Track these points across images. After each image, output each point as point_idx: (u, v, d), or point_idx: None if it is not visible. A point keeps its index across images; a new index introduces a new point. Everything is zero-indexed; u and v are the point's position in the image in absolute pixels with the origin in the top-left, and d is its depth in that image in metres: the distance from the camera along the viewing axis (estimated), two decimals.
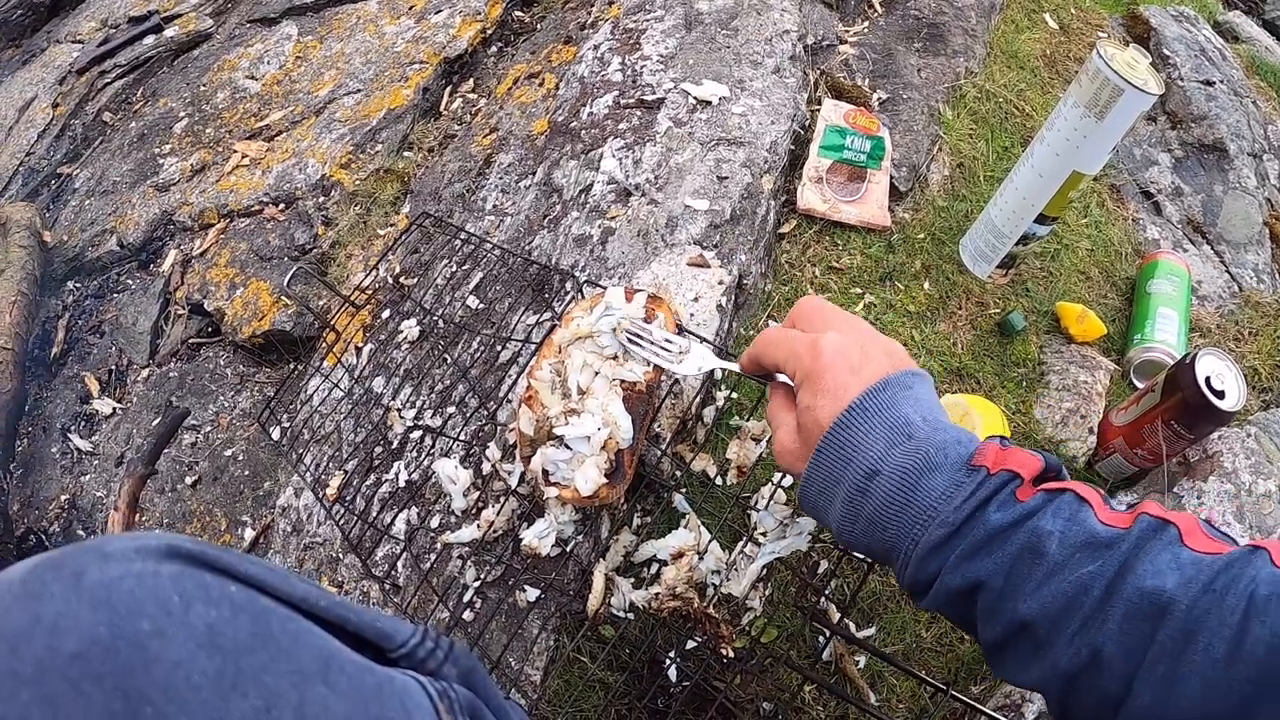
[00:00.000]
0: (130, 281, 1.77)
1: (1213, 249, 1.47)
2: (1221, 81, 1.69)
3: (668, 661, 0.88)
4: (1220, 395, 0.94)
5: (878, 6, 1.74)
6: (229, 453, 1.46)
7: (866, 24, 1.70)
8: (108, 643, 0.31)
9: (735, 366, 0.71)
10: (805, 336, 0.59)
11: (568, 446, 0.87)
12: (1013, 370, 1.23)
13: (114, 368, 1.66)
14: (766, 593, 0.94)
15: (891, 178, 1.38)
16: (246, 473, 1.42)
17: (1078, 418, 1.14)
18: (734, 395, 1.10)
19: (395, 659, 0.45)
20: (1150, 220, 1.50)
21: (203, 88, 2.01)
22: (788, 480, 1.01)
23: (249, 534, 1.32)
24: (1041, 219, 1.17)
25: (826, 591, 0.88)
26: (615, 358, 0.91)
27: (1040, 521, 0.47)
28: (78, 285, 1.79)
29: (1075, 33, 1.83)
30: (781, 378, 0.63)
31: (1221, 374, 0.96)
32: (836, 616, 0.91)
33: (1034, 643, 0.46)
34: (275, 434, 1.32)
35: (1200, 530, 0.44)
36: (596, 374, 0.90)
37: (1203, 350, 0.98)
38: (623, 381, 0.89)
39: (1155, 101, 0.96)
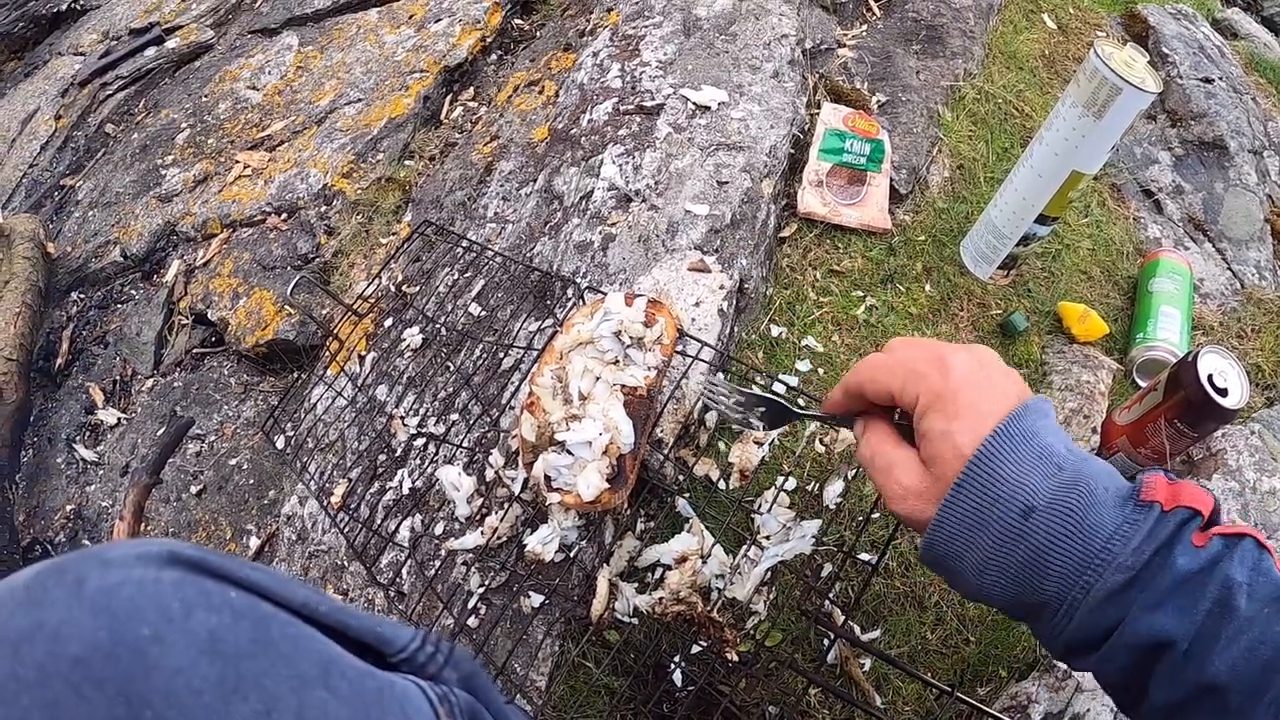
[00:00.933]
0: (134, 292, 1.77)
1: (1214, 246, 1.47)
2: (1221, 79, 1.69)
3: (672, 666, 0.88)
4: (1223, 393, 0.94)
5: (875, 9, 1.75)
6: (233, 462, 1.46)
7: (865, 27, 1.70)
8: (109, 649, 0.32)
9: (817, 413, 0.63)
10: (928, 354, 0.51)
11: (569, 452, 0.87)
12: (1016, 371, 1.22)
13: (118, 378, 1.67)
14: (770, 596, 0.94)
15: (891, 180, 1.38)
16: (251, 481, 1.42)
17: (1081, 417, 1.14)
18: None
19: (395, 664, 0.45)
20: (1151, 219, 1.50)
21: (204, 98, 2.02)
22: (791, 483, 1.01)
23: (254, 542, 1.32)
24: (1042, 219, 1.17)
25: (831, 595, 0.88)
26: (616, 363, 0.91)
27: (1229, 570, 0.41)
28: (81, 296, 1.80)
29: (1074, 33, 1.83)
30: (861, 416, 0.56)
31: (1224, 371, 0.96)
32: (841, 619, 0.91)
33: (1223, 709, 0.40)
34: (279, 443, 1.32)
35: None
36: (598, 379, 0.90)
37: (1205, 348, 0.98)
38: (624, 386, 0.89)
39: (1154, 100, 0.97)
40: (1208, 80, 1.68)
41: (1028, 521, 0.44)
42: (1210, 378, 0.95)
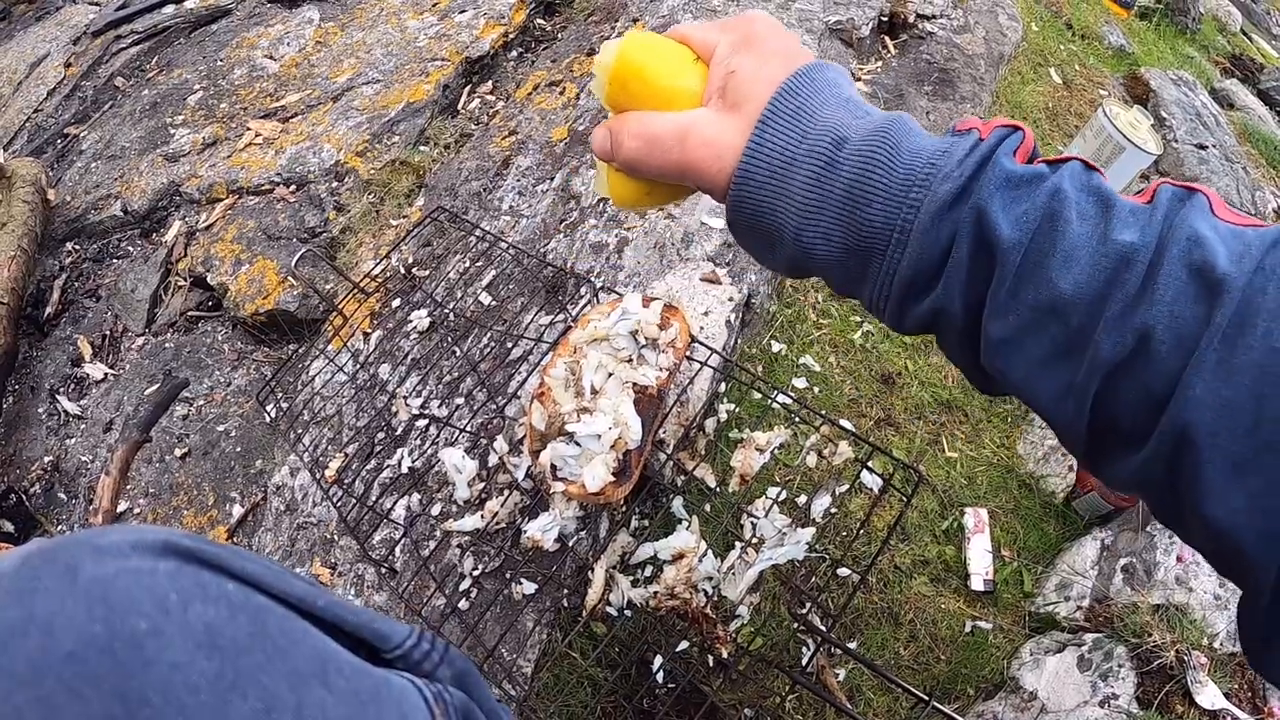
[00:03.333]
0: (131, 248, 1.76)
1: None
2: (1215, 145, 1.77)
3: (657, 663, 0.91)
4: None
5: (892, 48, 1.80)
6: (221, 428, 1.46)
7: (880, 64, 1.75)
8: (104, 643, 0.30)
9: None
10: (741, 16, 0.45)
11: (578, 443, 0.89)
12: (999, 406, 1.27)
13: (108, 333, 1.65)
14: (756, 601, 0.97)
15: None
16: (238, 450, 1.42)
17: (1059, 455, 1.19)
18: (735, 409, 1.13)
19: (390, 660, 0.45)
20: None
21: (219, 63, 2.01)
22: (783, 494, 1.04)
23: (237, 510, 1.32)
24: None
25: (818, 600, 0.92)
26: (630, 360, 0.94)
27: (1058, 182, 0.36)
28: (77, 247, 1.78)
29: (1078, 89, 1.90)
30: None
31: None
32: (823, 628, 0.94)
33: (1066, 329, 0.35)
34: (271, 412, 1.32)
35: (1222, 201, 0.36)
36: (610, 375, 0.92)
37: None
38: (635, 384, 0.92)
39: (1153, 162, 1.02)
40: (1202, 146, 1.76)
41: (840, 151, 0.39)
42: None
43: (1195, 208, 0.35)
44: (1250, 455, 0.30)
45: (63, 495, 1.48)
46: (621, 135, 0.44)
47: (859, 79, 1.69)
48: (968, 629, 1.04)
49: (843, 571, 1.04)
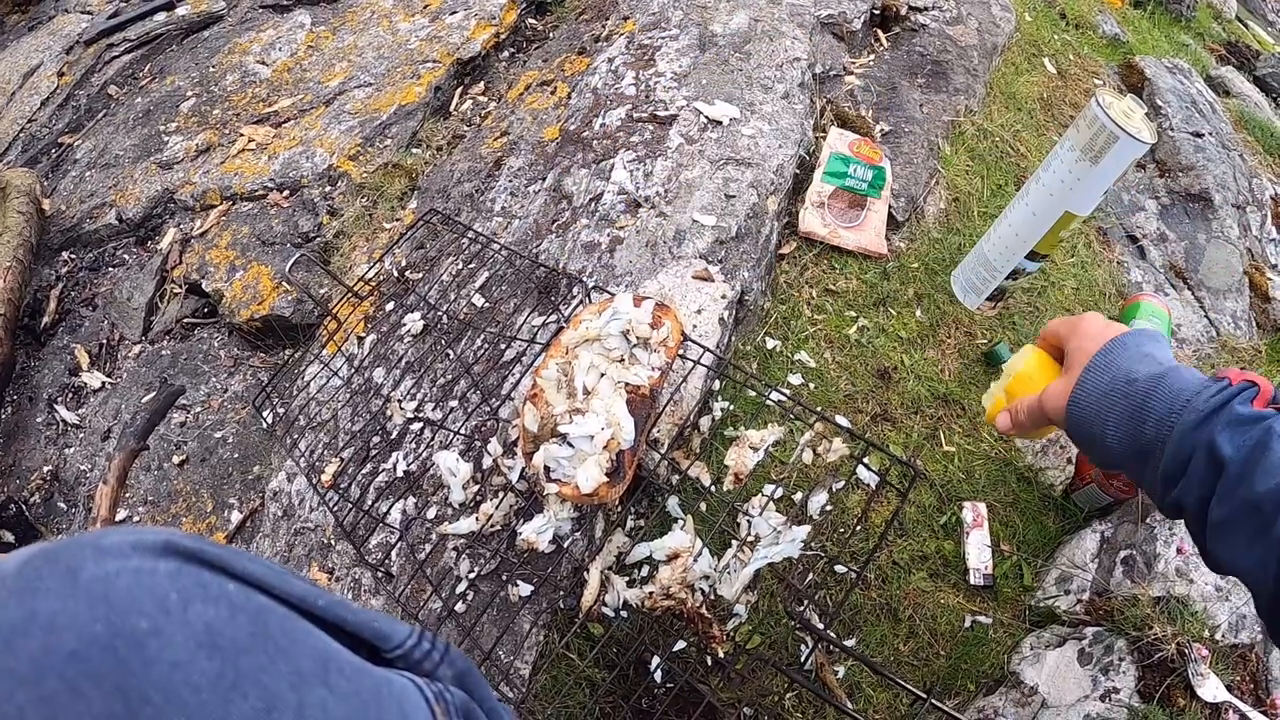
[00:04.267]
0: (127, 256, 1.76)
1: (1193, 294, 1.52)
2: (1210, 134, 1.76)
3: (655, 662, 0.90)
4: None
5: (884, 41, 1.79)
6: (219, 435, 1.46)
7: (873, 57, 1.74)
8: (105, 641, 0.30)
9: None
10: (1078, 317, 0.72)
11: (570, 444, 0.89)
12: None
13: (105, 342, 1.65)
14: (752, 599, 0.97)
15: (890, 207, 1.42)
16: (236, 456, 1.42)
17: (1056, 448, 1.18)
18: (730, 407, 1.13)
19: (391, 659, 0.45)
20: (1134, 263, 1.56)
21: (212, 69, 2.01)
22: (779, 492, 1.04)
23: (235, 516, 1.32)
24: (1032, 255, 1.21)
25: (814, 598, 0.91)
26: (621, 360, 0.93)
27: (1274, 424, 0.54)
28: (73, 256, 1.78)
29: (1072, 79, 1.90)
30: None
31: None
32: (820, 626, 0.93)
33: (1261, 521, 0.52)
34: (268, 418, 1.32)
35: None
36: (602, 376, 0.92)
37: None
38: (627, 384, 0.92)
39: (1147, 150, 1.01)
40: (1198, 134, 1.75)
41: (1131, 385, 0.61)
42: None
43: None
44: None
45: (62, 504, 1.48)
46: (1020, 415, 0.72)
47: (852, 72, 1.68)
48: (967, 624, 1.03)
49: (840, 568, 1.03)
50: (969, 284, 1.33)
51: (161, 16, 2.14)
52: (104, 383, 1.59)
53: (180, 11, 2.17)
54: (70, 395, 1.60)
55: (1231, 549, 0.55)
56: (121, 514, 1.39)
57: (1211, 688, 0.87)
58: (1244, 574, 0.55)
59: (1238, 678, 0.90)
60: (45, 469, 1.50)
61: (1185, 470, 0.57)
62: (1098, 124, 1.00)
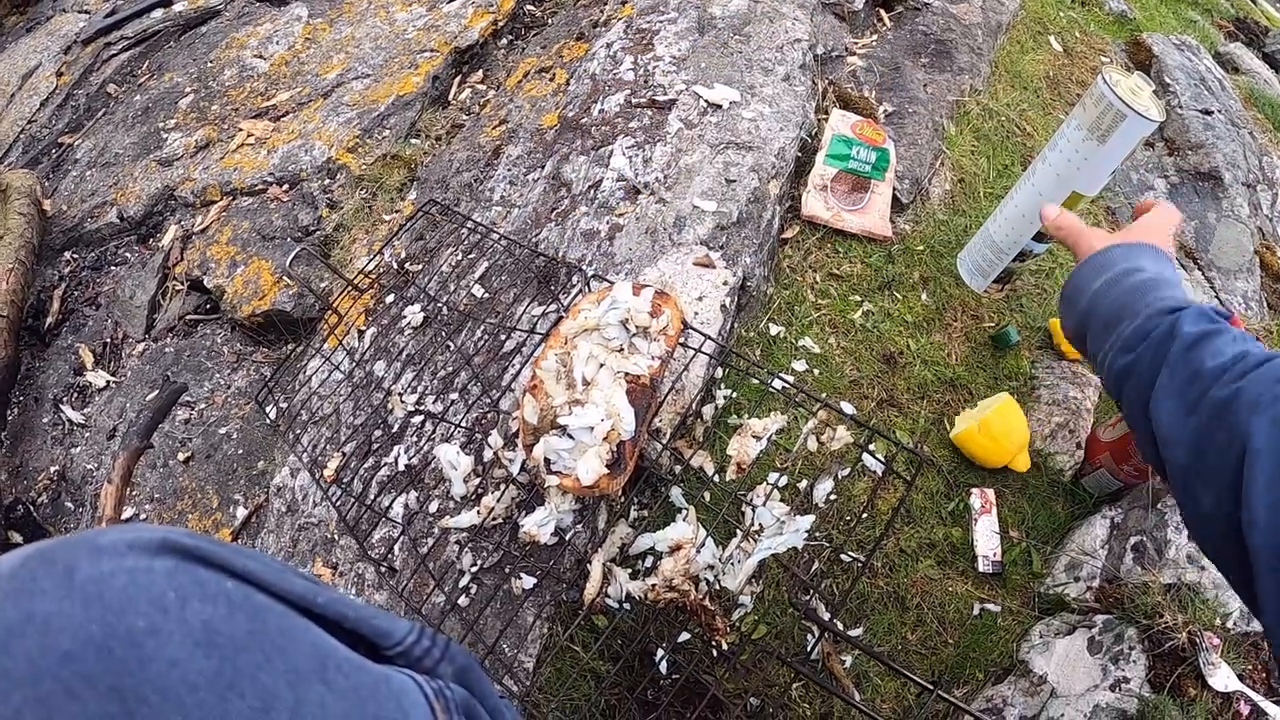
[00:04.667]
0: (129, 255, 1.76)
1: (1203, 274, 1.50)
2: (1220, 111, 1.72)
3: (659, 654, 0.90)
4: None
5: (887, 20, 1.77)
6: (223, 431, 1.45)
7: (875, 37, 1.72)
8: (101, 641, 0.30)
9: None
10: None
11: (571, 436, 0.88)
12: (1005, 383, 1.25)
13: (109, 340, 1.65)
14: (758, 590, 0.96)
15: (894, 189, 1.40)
16: (240, 451, 1.42)
17: (1066, 432, 1.16)
18: (733, 394, 1.12)
19: (391, 656, 0.45)
20: None
21: (210, 64, 2.00)
22: (784, 480, 1.03)
23: (241, 512, 1.32)
24: (1039, 237, 1.19)
25: (820, 588, 0.90)
26: (621, 350, 0.92)
27: (1232, 330, 0.65)
28: (75, 256, 1.78)
29: (1078, 56, 1.86)
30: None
31: None
32: (826, 616, 0.92)
33: (1199, 389, 0.62)
34: (271, 414, 1.32)
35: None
36: (601, 366, 0.91)
37: None
38: (627, 374, 0.90)
39: (1156, 128, 0.99)
40: (1207, 112, 1.71)
41: (1142, 275, 0.75)
42: None
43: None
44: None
45: (70, 504, 1.48)
46: (1067, 221, 0.91)
47: (854, 53, 1.66)
48: (975, 612, 1.02)
49: (846, 557, 1.02)
50: (975, 266, 1.30)
51: (158, 13, 2.13)
52: (109, 381, 1.60)
53: (177, 7, 2.16)
54: (75, 395, 1.60)
55: (1169, 411, 0.63)
56: (128, 512, 1.39)
57: (1223, 677, 0.86)
58: (1168, 433, 0.63)
59: (1249, 667, 0.89)
60: (52, 469, 1.51)
61: (1147, 337, 0.68)
62: (1104, 102, 0.97)
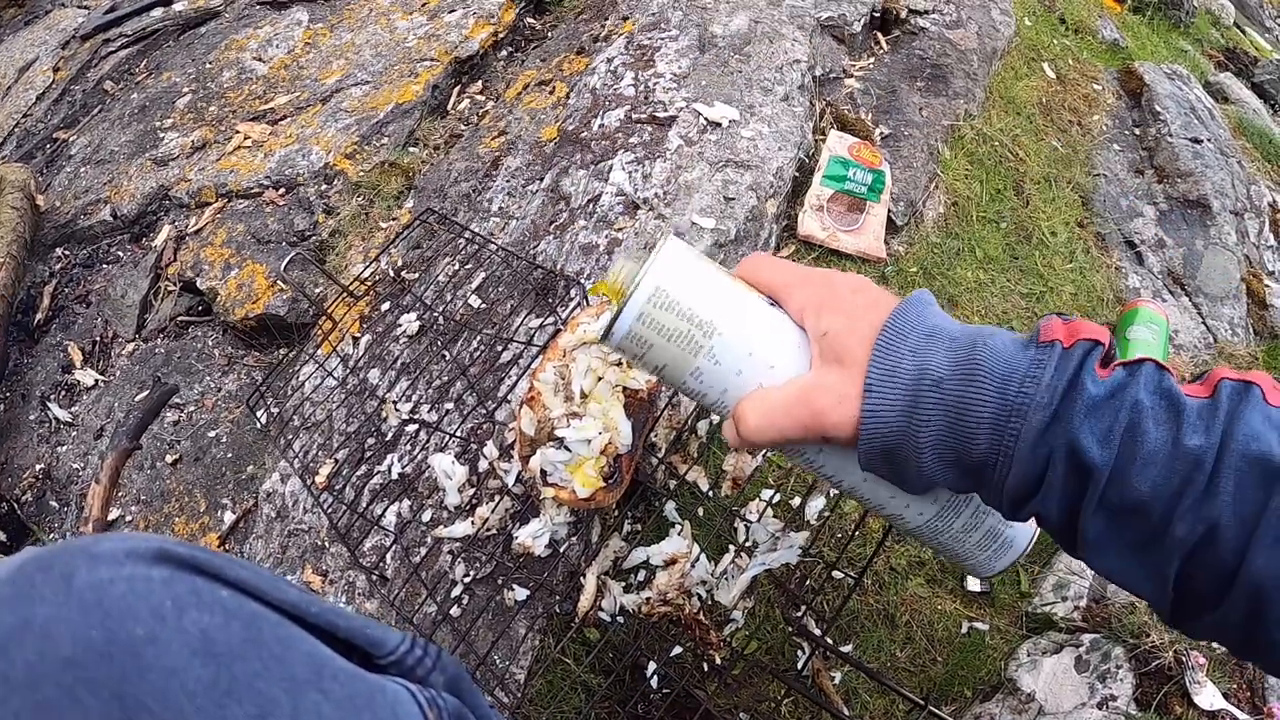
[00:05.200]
0: (121, 253, 1.75)
1: (1191, 300, 1.52)
2: (1209, 140, 1.76)
3: (651, 668, 0.90)
4: None
5: (884, 44, 1.79)
6: (212, 434, 1.45)
7: (872, 60, 1.74)
8: (102, 648, 0.31)
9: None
10: (808, 270, 0.51)
11: (567, 448, 0.88)
12: None
13: (98, 339, 1.64)
14: (750, 605, 0.96)
15: (889, 211, 1.42)
16: (229, 455, 1.41)
17: None
18: None
19: (384, 666, 0.45)
20: (1132, 269, 1.56)
21: (208, 65, 2.00)
22: (777, 496, 1.03)
23: (228, 517, 1.31)
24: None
25: (811, 604, 0.91)
26: (619, 364, 0.93)
27: (1135, 394, 0.42)
28: (67, 253, 1.77)
29: (1071, 84, 1.90)
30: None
31: None
32: (818, 632, 0.93)
33: (1148, 524, 0.42)
34: (262, 418, 1.31)
35: (1274, 385, 0.42)
36: (600, 379, 0.91)
37: None
38: (625, 388, 0.91)
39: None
40: (1196, 140, 1.75)
41: (942, 391, 0.44)
42: None
43: (1251, 401, 0.41)
44: None
45: (54, 503, 1.47)
46: (747, 417, 0.48)
47: (852, 75, 1.68)
48: (964, 630, 1.03)
49: (838, 574, 1.03)
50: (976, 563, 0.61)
51: (158, 12, 2.13)
52: (97, 380, 1.58)
53: (177, 7, 2.16)
54: (63, 393, 1.59)
55: (1119, 561, 0.44)
56: (114, 513, 1.38)
57: (1208, 696, 0.87)
58: (1131, 587, 0.45)
59: (1234, 686, 0.90)
60: (37, 467, 1.49)
61: (1040, 483, 0.43)
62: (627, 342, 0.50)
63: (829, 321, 0.47)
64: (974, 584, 1.06)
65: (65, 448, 1.51)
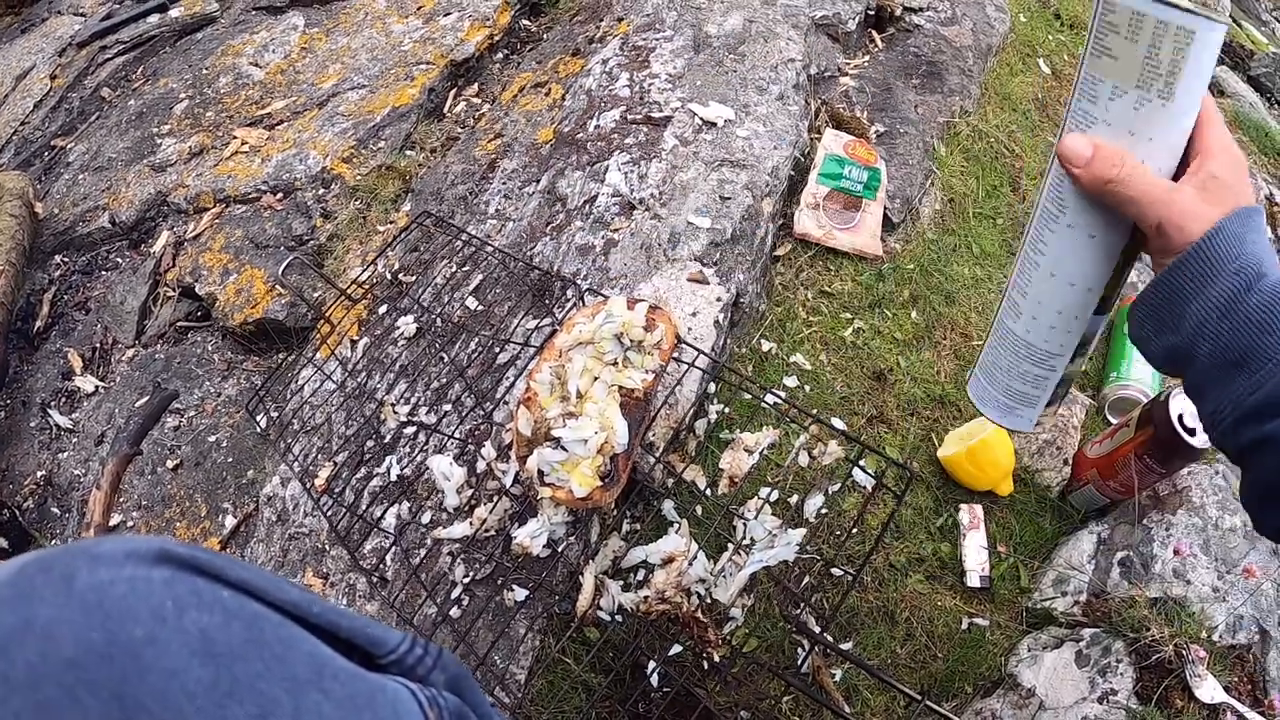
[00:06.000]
0: (120, 260, 1.75)
1: None
2: None
3: (651, 666, 0.90)
4: (1192, 433, 0.98)
5: (879, 41, 1.79)
6: (213, 439, 1.45)
7: (867, 58, 1.74)
8: (102, 649, 0.31)
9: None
10: (1232, 145, 0.56)
11: (564, 448, 0.88)
12: None
13: (98, 345, 1.65)
14: (749, 603, 0.97)
15: (885, 208, 1.42)
16: (230, 460, 1.41)
17: (1054, 449, 1.18)
18: (725, 409, 1.13)
19: (385, 665, 0.45)
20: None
21: (205, 71, 2.00)
22: (775, 494, 1.04)
23: (229, 521, 1.31)
24: (1102, 306, 0.61)
25: (810, 601, 0.91)
26: (615, 364, 0.93)
27: None
28: (66, 260, 1.77)
29: (1067, 80, 1.90)
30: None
31: (1194, 413, 1.00)
32: (817, 629, 0.93)
33: None
34: (262, 422, 1.32)
35: None
36: (596, 379, 0.92)
37: (1176, 389, 1.02)
38: (621, 388, 0.91)
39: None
40: None
41: (1259, 281, 0.48)
42: (1181, 418, 0.99)
43: None
44: None
45: (56, 509, 1.47)
46: (1120, 158, 0.52)
47: (847, 73, 1.68)
48: (964, 626, 1.03)
49: (836, 571, 1.03)
50: (1010, 394, 0.69)
51: (154, 18, 2.13)
52: (97, 387, 1.59)
53: (173, 13, 2.16)
54: (63, 399, 1.59)
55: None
56: (115, 519, 1.38)
57: (1209, 689, 0.87)
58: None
59: (1235, 679, 0.90)
60: (38, 474, 1.50)
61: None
62: (1150, 21, 0.52)
63: (1222, 171, 0.51)
64: (974, 580, 1.06)
65: (66, 454, 1.51)
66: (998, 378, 0.70)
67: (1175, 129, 0.55)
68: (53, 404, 1.58)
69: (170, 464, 1.43)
